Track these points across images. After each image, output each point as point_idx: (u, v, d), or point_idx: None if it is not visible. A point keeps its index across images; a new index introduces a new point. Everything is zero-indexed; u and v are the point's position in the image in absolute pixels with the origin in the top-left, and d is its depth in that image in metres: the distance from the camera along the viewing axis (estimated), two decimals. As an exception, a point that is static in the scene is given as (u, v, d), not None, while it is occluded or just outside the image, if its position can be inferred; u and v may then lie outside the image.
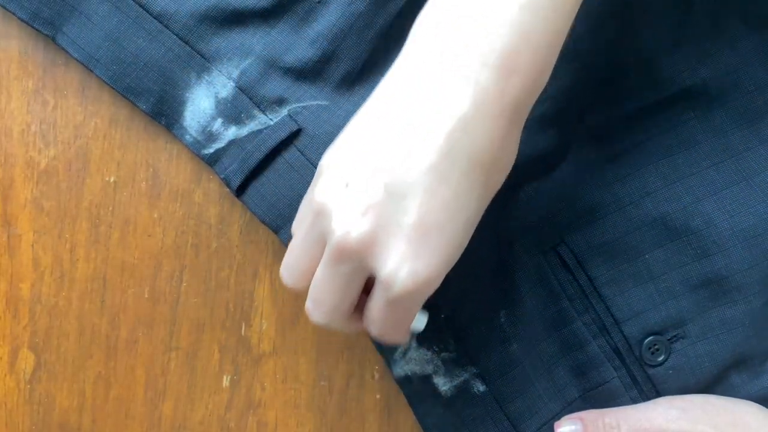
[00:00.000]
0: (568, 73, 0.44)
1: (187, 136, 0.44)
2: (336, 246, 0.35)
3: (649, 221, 0.45)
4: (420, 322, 0.41)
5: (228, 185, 0.44)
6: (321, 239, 0.37)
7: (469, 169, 0.35)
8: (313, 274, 0.38)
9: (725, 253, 0.44)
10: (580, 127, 0.45)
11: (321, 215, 0.36)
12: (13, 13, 0.44)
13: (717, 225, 0.44)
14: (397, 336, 0.39)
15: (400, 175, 0.35)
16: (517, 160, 0.38)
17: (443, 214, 0.35)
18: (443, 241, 0.35)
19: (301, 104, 0.44)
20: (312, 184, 0.38)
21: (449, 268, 0.36)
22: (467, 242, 0.37)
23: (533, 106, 0.37)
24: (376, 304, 0.37)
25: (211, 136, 0.44)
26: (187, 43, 0.44)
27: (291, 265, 0.39)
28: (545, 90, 0.36)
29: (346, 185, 0.36)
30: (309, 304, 0.38)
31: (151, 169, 0.46)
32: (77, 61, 0.44)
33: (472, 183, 0.35)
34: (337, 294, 0.37)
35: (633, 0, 0.43)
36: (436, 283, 0.36)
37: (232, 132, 0.44)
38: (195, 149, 0.44)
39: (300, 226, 0.39)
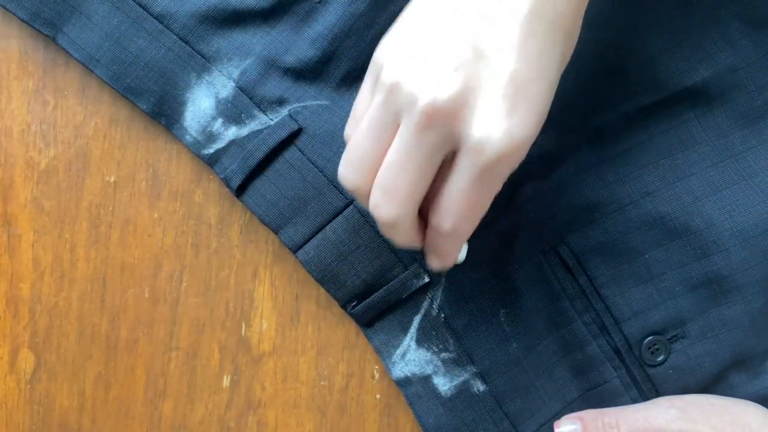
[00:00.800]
0: (569, 73, 0.44)
1: (187, 136, 0.44)
2: (423, 111, 0.33)
3: (649, 221, 0.45)
4: (462, 252, 0.41)
5: (228, 185, 0.44)
6: (395, 119, 0.34)
7: (552, 30, 0.34)
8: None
9: (725, 253, 0.44)
10: (580, 127, 0.45)
11: (395, 91, 0.34)
12: (13, 13, 0.44)
13: (717, 225, 0.44)
14: (469, 229, 0.36)
15: (487, 32, 0.33)
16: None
17: (532, 72, 0.34)
18: (533, 101, 0.34)
19: (302, 104, 0.44)
20: (369, 75, 0.36)
21: (537, 133, 0.35)
22: (548, 109, 0.35)
23: None
24: (458, 183, 0.35)
25: (211, 136, 0.44)
26: (187, 43, 0.44)
27: (356, 160, 0.36)
28: None
29: (428, 48, 0.34)
30: (378, 197, 0.35)
31: (151, 169, 0.46)
32: (77, 61, 0.44)
33: (554, 44, 0.34)
34: (416, 174, 0.34)
35: (633, 0, 0.44)
36: (527, 149, 0.34)
37: (232, 132, 0.44)
38: (195, 149, 0.44)
39: (356, 119, 0.37)
